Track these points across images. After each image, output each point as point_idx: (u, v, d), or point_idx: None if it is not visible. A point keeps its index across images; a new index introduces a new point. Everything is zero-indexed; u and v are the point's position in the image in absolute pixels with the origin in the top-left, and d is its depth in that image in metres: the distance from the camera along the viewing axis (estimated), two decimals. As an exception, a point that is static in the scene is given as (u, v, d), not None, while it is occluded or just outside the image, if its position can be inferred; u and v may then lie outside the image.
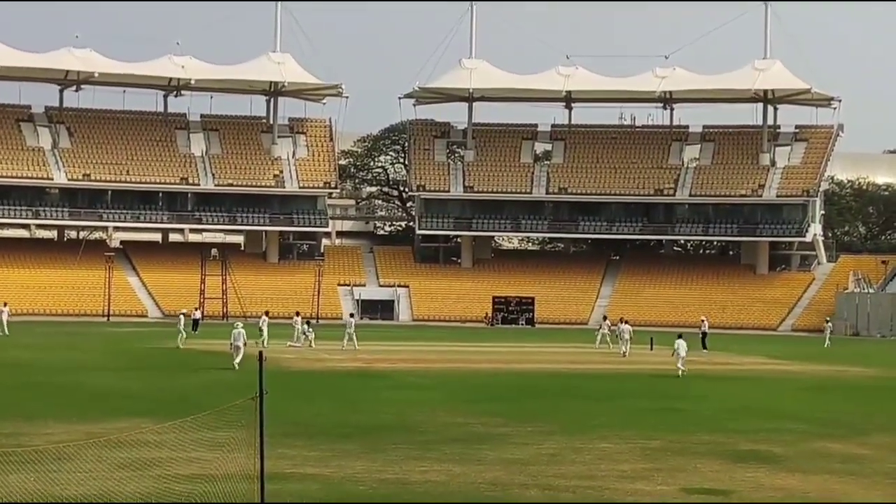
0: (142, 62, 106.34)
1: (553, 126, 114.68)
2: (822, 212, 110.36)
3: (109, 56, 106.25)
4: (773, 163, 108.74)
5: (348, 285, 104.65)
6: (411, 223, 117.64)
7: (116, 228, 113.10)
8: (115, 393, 37.43)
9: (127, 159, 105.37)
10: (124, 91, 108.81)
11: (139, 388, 39.32)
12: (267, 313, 61.77)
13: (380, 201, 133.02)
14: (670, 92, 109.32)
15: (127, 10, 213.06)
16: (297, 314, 65.03)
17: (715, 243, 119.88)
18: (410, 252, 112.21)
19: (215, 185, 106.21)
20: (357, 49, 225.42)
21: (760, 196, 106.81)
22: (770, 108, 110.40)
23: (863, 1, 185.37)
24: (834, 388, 45.32)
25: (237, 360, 45.93)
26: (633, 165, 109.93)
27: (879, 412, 36.58)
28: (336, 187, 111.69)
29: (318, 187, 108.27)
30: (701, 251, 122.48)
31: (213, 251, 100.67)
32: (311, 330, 62.07)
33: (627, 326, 60.89)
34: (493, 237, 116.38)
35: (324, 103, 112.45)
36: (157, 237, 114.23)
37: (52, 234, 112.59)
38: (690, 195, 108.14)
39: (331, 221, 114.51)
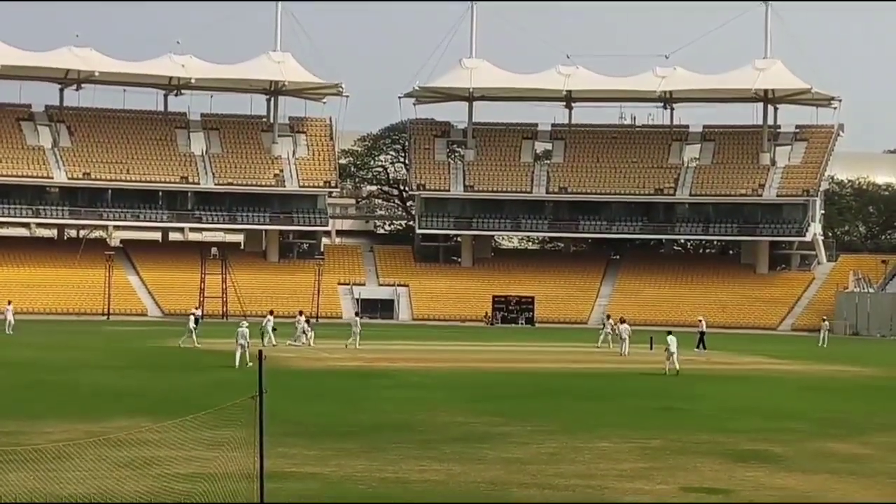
0: (142, 61, 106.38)
1: (553, 125, 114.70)
2: (823, 211, 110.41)
3: (110, 55, 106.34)
4: (774, 162, 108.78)
5: (348, 284, 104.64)
6: (411, 222, 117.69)
7: (116, 227, 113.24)
8: (114, 392, 37.43)
9: (127, 158, 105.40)
10: (124, 90, 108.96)
11: (139, 386, 39.31)
12: (272, 312, 62.00)
13: (380, 200, 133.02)
14: (670, 91, 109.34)
15: (127, 10, 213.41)
16: (300, 313, 65.08)
17: (715, 243, 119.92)
18: (410, 251, 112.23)
19: (215, 184, 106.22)
20: (357, 49, 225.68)
21: (760, 196, 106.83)
22: (770, 108, 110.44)
23: (863, 1, 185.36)
24: (834, 387, 45.30)
25: (239, 358, 46.15)
26: (634, 165, 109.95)
27: (880, 412, 36.57)
28: (336, 186, 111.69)
29: (319, 186, 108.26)
30: (701, 251, 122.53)
31: (213, 250, 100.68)
32: (310, 329, 62.15)
33: (626, 326, 61.04)
34: (493, 236, 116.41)
35: (324, 102, 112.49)
36: (157, 236, 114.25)
37: (53, 233, 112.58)
38: (690, 195, 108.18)
39: (331, 220, 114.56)
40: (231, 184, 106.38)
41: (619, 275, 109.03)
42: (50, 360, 49.12)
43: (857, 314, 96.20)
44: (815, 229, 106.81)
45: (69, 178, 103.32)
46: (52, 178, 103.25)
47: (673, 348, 48.27)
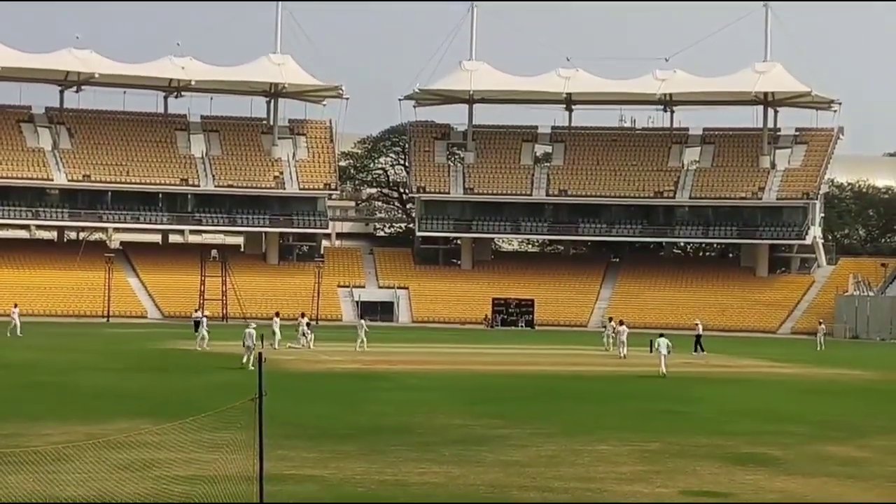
0: (142, 63, 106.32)
1: (553, 128, 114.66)
2: (822, 214, 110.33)
3: (110, 57, 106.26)
4: (773, 165, 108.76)
5: (348, 287, 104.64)
6: (411, 225, 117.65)
7: (116, 229, 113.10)
8: (114, 394, 37.43)
9: (127, 160, 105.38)
10: (124, 92, 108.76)
11: (139, 388, 39.32)
12: (277, 314, 62.22)
13: (380, 203, 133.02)
14: (670, 94, 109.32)
15: (127, 11, 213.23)
16: (302, 315, 65.16)
17: (715, 246, 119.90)
18: (410, 254, 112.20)
19: (215, 187, 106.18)
20: (357, 50, 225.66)
21: (760, 198, 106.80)
22: (770, 111, 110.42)
23: (863, 2, 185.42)
24: (833, 391, 45.31)
25: (246, 359, 46.56)
26: (633, 168, 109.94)
27: (879, 415, 36.59)
28: (336, 189, 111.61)
29: (318, 189, 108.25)
30: (701, 253, 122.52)
31: (213, 252, 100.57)
32: (310, 332, 62.22)
33: (624, 328, 61.08)
34: (492, 239, 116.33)
35: (324, 105, 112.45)
36: (157, 238, 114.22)
37: (52, 234, 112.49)
38: (690, 197, 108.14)
39: (331, 223, 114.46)
40: (231, 186, 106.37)
41: (619, 278, 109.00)
42: (49, 362, 49.12)
43: (857, 317, 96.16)
44: (815, 232, 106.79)
45: (69, 180, 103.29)
46: (51, 179, 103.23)
47: (664, 350, 48.32)
